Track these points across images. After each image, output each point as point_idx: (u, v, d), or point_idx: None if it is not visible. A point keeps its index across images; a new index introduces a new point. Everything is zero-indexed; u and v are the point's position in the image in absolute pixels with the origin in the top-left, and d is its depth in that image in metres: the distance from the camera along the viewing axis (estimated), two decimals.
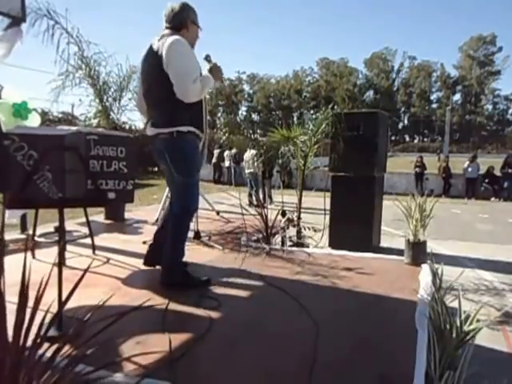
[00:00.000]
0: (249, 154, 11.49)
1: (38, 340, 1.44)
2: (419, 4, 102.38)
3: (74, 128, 2.03)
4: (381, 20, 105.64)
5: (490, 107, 71.11)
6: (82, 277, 1.56)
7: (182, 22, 2.90)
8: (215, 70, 3.00)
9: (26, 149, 1.77)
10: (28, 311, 1.42)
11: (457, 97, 72.18)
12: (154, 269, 3.26)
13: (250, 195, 11.41)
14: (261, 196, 11.23)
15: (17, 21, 3.13)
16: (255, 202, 10.54)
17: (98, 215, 5.84)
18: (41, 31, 5.03)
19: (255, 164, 11.12)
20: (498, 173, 14.64)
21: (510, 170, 14.27)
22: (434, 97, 74.45)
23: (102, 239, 4.36)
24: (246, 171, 11.71)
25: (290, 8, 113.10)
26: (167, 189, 6.27)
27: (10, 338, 1.37)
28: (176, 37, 2.77)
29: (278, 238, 4.78)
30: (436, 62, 72.26)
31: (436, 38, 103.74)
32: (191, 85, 2.71)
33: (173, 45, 2.73)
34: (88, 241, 3.97)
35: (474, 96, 69.06)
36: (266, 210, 4.80)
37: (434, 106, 73.54)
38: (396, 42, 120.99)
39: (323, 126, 5.40)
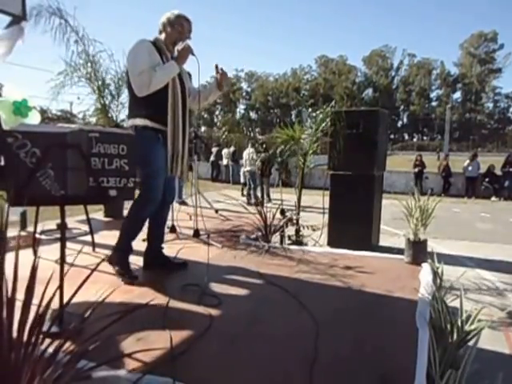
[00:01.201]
0: (247, 152, 11.50)
1: (41, 336, 1.45)
2: (419, 1, 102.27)
3: (75, 126, 2.03)
4: (380, 17, 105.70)
5: (490, 105, 71.04)
6: (89, 276, 1.57)
7: (161, 26, 3.19)
8: (180, 53, 3.08)
9: (28, 146, 1.77)
10: (29, 307, 1.43)
11: (457, 95, 72.17)
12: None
13: (249, 194, 11.42)
14: (259, 194, 11.24)
15: (18, 19, 3.13)
16: (253, 201, 10.56)
17: (97, 213, 5.84)
18: (47, 29, 5.06)
19: (254, 162, 11.13)
20: (498, 172, 14.63)
21: (510, 169, 14.25)
22: (433, 95, 74.37)
23: (101, 237, 4.36)
24: (245, 169, 11.72)
25: (288, 5, 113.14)
26: None
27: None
28: (138, 39, 3.04)
29: (276, 237, 4.79)
30: (436, 59, 72.08)
31: (436, 36, 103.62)
32: (134, 78, 2.95)
33: (131, 49, 3.03)
34: (88, 238, 3.97)
35: (474, 94, 68.95)
36: (264, 208, 4.81)
37: (434, 104, 73.44)
38: (395, 39, 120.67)
39: (323, 124, 5.40)
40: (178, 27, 3.16)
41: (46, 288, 1.46)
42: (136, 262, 3.44)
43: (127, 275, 3.03)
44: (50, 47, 5.25)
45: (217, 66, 3.39)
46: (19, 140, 1.75)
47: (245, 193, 11.82)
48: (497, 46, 66.80)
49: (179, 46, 3.13)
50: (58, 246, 2.22)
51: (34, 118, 4.28)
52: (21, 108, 4.10)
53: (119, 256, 3.12)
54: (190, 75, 3.49)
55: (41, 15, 4.98)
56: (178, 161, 3.14)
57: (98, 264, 1.72)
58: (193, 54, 3.13)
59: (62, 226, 2.09)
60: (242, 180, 12.18)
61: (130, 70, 2.99)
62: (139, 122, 3.01)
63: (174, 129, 3.08)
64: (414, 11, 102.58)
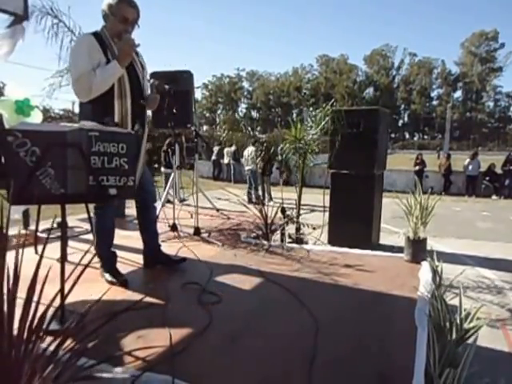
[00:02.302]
0: (248, 150, 11.51)
1: (41, 334, 1.46)
2: (420, 0, 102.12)
3: (76, 125, 2.04)
4: (381, 16, 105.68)
5: (491, 104, 71.08)
6: (83, 271, 1.58)
7: (103, 15, 2.81)
8: (121, 52, 2.70)
9: (28, 145, 1.78)
10: (30, 305, 1.44)
11: (458, 94, 72.27)
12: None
13: (250, 192, 11.42)
14: (260, 193, 11.25)
15: (19, 18, 3.14)
16: (254, 199, 10.57)
17: None
18: (41, 29, 5.05)
19: (255, 161, 11.13)
20: (499, 170, 14.61)
21: (511, 168, 14.23)
22: (434, 94, 74.49)
23: None
24: (246, 168, 11.72)
25: (289, 4, 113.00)
26: (172, 175, 6.30)
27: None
28: (81, 35, 2.77)
29: (277, 235, 4.80)
30: (437, 58, 72.27)
31: (437, 35, 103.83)
32: (73, 82, 2.67)
33: (72, 46, 2.80)
34: (89, 237, 3.98)
35: (475, 93, 68.97)
36: (265, 206, 4.81)
37: (435, 103, 73.47)
38: (396, 38, 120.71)
39: (323, 123, 5.40)
40: (121, 17, 2.74)
41: (43, 285, 1.47)
42: (137, 260, 3.45)
43: (117, 281, 2.92)
44: (51, 46, 5.26)
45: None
46: (19, 139, 1.75)
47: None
48: (498, 44, 66.81)
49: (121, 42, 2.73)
50: (59, 244, 2.23)
51: (36, 117, 4.28)
52: (23, 107, 4.09)
53: (105, 265, 3.04)
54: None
55: (33, 16, 4.97)
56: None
57: (90, 260, 1.73)
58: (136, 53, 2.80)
59: (63, 225, 2.10)
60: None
61: (70, 73, 2.70)
62: (87, 124, 2.68)
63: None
64: (414, 10, 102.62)
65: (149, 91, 3.24)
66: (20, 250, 1.44)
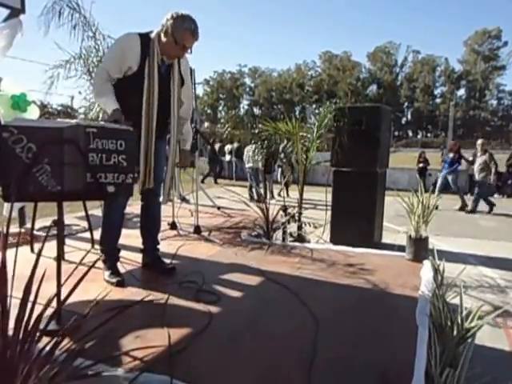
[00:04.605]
0: (250, 148, 11.45)
1: (38, 334, 1.44)
2: None
3: (73, 121, 2.01)
4: (384, 13, 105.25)
5: (494, 102, 70.82)
6: (86, 273, 1.56)
7: (162, 27, 2.74)
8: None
9: (24, 141, 1.75)
10: (26, 305, 1.42)
11: (461, 92, 71.94)
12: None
13: (251, 190, 11.37)
14: (262, 191, 11.20)
15: (16, 12, 3.12)
16: (256, 197, 10.53)
17: (97, 209, 5.81)
18: (65, 23, 5.06)
19: (256, 158, 11.08)
20: (501, 169, 14.54)
21: None
22: (437, 92, 74.15)
23: None
24: (247, 166, 11.66)
25: (292, 0, 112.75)
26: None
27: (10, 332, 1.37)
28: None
29: (278, 234, 4.77)
30: (440, 56, 71.91)
31: (440, 32, 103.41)
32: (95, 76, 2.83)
33: None
34: (87, 235, 3.96)
35: (478, 91, 68.70)
36: (267, 204, 4.78)
37: (438, 100, 73.17)
38: (400, 35, 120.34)
39: (326, 120, 5.38)
40: (181, 44, 2.71)
41: (39, 285, 1.45)
42: (136, 259, 3.42)
43: (114, 281, 2.87)
44: (52, 41, 5.22)
45: None
46: (14, 135, 1.73)
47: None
48: (501, 43, 66.57)
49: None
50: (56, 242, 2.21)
51: (32, 113, 4.24)
52: (19, 102, 4.04)
53: (108, 261, 3.00)
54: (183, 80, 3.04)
55: (64, 10, 4.98)
56: (150, 173, 2.90)
57: (95, 262, 1.71)
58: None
59: (59, 223, 2.08)
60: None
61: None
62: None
63: (148, 143, 2.82)
64: (418, 7, 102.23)
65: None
66: (14, 249, 1.42)
